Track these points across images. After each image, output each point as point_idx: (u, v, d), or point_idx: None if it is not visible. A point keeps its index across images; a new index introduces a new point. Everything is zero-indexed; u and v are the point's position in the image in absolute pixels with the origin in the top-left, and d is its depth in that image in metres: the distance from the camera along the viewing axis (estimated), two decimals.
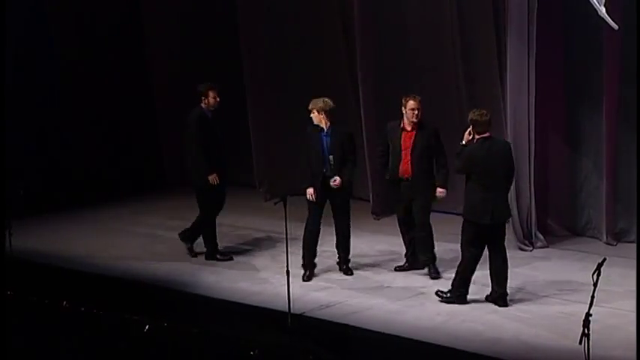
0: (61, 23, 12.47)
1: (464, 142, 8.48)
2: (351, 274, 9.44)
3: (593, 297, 6.48)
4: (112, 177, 12.80)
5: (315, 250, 9.37)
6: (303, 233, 9.36)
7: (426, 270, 9.36)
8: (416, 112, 8.97)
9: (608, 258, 6.88)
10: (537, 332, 7.95)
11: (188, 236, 10.24)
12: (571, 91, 10.24)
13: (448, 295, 8.54)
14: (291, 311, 8.24)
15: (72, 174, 12.53)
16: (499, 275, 8.50)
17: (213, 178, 9.77)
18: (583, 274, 8.77)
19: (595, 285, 6.48)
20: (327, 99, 9.23)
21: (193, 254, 10.17)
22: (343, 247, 9.47)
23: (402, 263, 9.50)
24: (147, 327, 8.16)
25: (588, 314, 6.39)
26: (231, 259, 10.07)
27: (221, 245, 10.35)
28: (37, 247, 10.66)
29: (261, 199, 12.22)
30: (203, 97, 9.82)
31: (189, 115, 9.90)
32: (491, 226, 8.38)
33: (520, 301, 8.63)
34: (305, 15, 12.06)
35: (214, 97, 9.79)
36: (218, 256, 10.06)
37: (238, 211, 11.84)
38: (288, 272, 8.27)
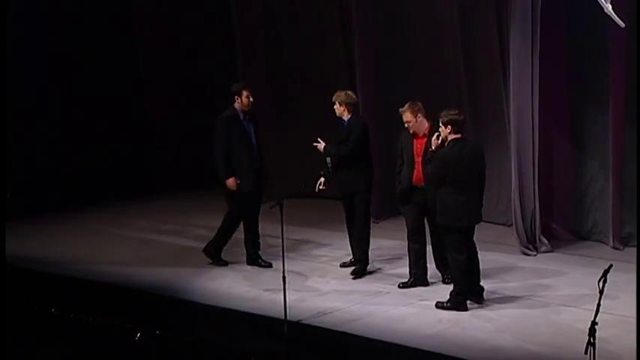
0: (52, 24, 12.49)
1: (433, 148, 8.49)
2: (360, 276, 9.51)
3: (599, 305, 6.47)
4: (101, 179, 12.82)
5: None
6: None
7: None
8: (407, 125, 8.89)
9: (614, 263, 6.85)
10: (541, 340, 7.94)
11: (251, 255, 10.05)
12: (576, 90, 10.25)
13: (448, 304, 8.55)
14: (288, 318, 8.22)
15: (60, 176, 12.55)
16: (478, 273, 8.65)
17: (230, 182, 9.65)
18: (588, 279, 8.81)
19: (601, 292, 6.46)
20: (349, 92, 9.46)
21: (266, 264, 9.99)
22: (355, 247, 9.64)
23: (406, 280, 9.27)
24: (138, 335, 8.15)
25: (594, 323, 6.37)
26: (226, 264, 10.04)
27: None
28: (24, 251, 10.65)
29: None
30: (236, 97, 9.67)
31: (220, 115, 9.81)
32: (466, 229, 8.48)
33: (523, 307, 8.64)
34: (302, 14, 12.05)
35: (248, 97, 9.63)
36: (212, 261, 10.01)
37: None
38: (284, 278, 8.27)
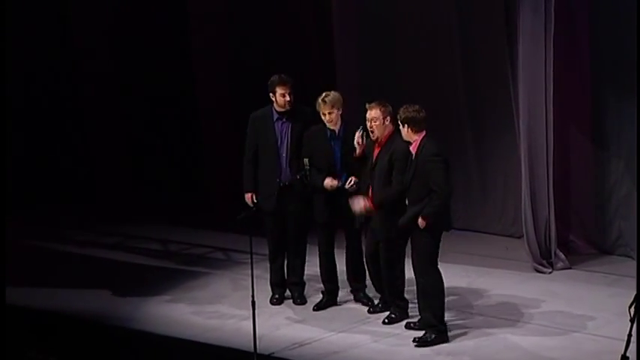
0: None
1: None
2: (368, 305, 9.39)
3: (630, 335, 6.49)
4: (28, 183, 12.73)
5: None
6: None
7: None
8: (370, 124, 8.87)
9: None
10: None
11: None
12: (598, 80, 10.25)
13: (433, 336, 8.49)
14: (258, 351, 8.22)
15: None
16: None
17: (246, 198, 9.29)
18: (614, 301, 8.86)
19: (632, 321, 6.49)
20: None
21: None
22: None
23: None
24: None
25: (625, 357, 6.40)
26: (279, 302, 9.54)
27: (168, 266, 10.41)
28: None
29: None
30: (271, 95, 9.26)
31: None
32: None
33: (537, 336, 8.62)
34: (270, 11, 12.03)
35: (283, 96, 9.19)
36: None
37: (192, 225, 11.91)
38: (253, 302, 8.25)
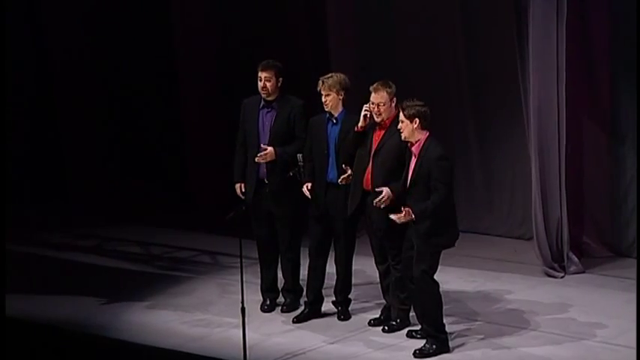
0: None
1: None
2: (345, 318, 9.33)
3: None
4: (6, 187, 12.72)
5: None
6: None
7: None
8: (375, 107, 8.79)
9: None
10: None
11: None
12: (615, 73, 10.24)
13: (433, 347, 8.44)
14: None
15: None
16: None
17: (237, 188, 9.31)
18: (631, 307, 8.77)
19: None
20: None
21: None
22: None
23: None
24: None
25: None
26: (268, 309, 9.53)
27: (150, 271, 10.44)
28: None
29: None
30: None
31: None
32: None
33: (548, 344, 8.60)
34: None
35: (260, 80, 9.14)
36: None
37: (176, 226, 11.94)
38: (243, 309, 8.23)
